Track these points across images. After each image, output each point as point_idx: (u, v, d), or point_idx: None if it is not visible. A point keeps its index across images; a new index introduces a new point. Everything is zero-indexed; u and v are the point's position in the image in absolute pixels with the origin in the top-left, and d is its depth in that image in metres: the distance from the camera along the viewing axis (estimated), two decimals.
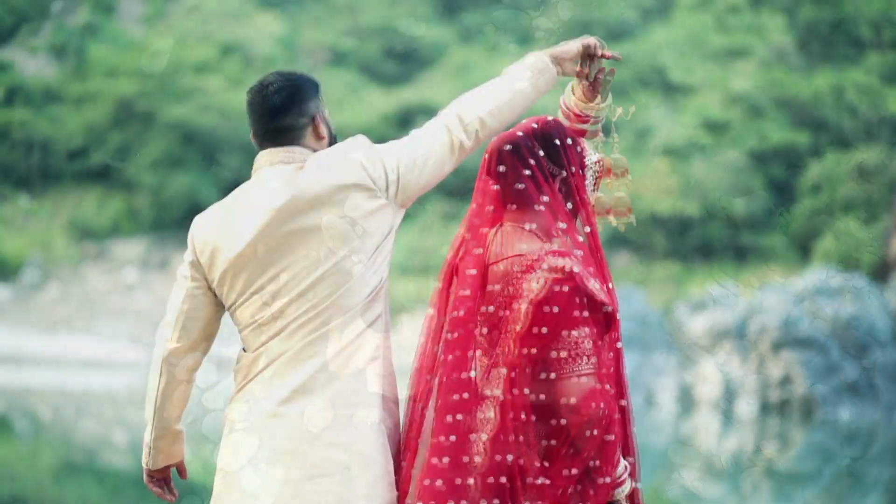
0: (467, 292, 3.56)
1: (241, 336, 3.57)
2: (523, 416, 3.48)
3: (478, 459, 3.49)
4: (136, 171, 31.27)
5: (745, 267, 28.62)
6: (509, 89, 3.63)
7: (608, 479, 3.46)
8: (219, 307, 3.62)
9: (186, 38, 33.88)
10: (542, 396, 3.48)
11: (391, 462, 3.51)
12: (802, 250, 28.68)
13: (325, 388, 3.46)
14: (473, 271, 3.58)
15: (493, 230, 3.60)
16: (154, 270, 29.70)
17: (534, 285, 3.49)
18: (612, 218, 3.83)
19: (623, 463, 3.53)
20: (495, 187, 3.62)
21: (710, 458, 16.35)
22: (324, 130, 3.62)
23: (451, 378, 3.52)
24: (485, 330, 3.55)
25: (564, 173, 3.62)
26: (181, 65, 32.34)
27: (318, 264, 3.46)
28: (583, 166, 3.66)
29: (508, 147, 3.63)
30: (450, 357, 3.53)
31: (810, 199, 28.99)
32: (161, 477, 3.80)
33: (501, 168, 3.63)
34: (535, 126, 3.64)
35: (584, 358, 3.45)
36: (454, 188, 24.25)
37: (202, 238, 3.57)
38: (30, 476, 12.55)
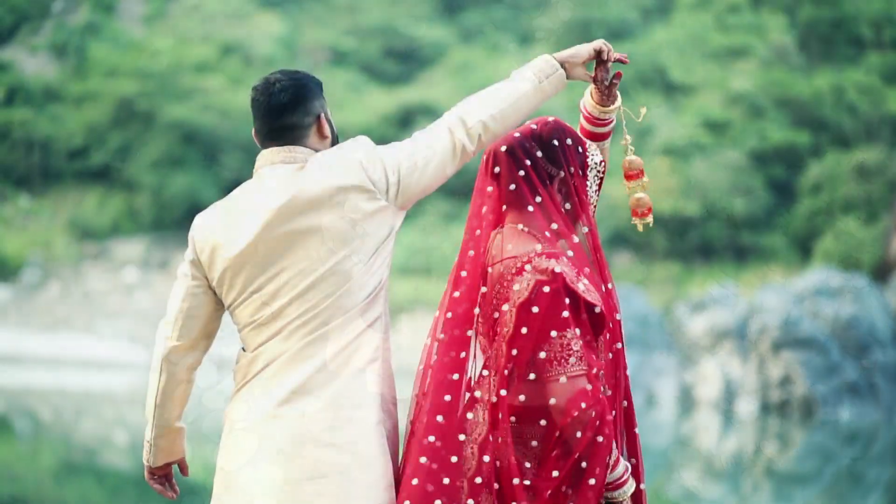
0: (458, 294, 3.57)
1: (241, 335, 3.57)
2: (512, 419, 3.49)
3: (466, 460, 3.49)
4: (137, 171, 31.26)
5: (745, 267, 28.61)
6: (514, 93, 3.60)
7: (594, 481, 3.44)
8: (219, 306, 3.63)
9: (187, 37, 33.87)
10: (530, 398, 3.48)
11: (390, 463, 3.51)
12: (803, 250, 28.67)
13: (324, 389, 3.46)
14: (465, 273, 3.58)
15: (495, 232, 3.60)
16: (154, 270, 29.70)
17: (516, 287, 3.49)
18: (635, 220, 3.83)
19: (623, 464, 3.52)
20: (490, 189, 3.63)
21: (710, 458, 16.35)
22: (327, 130, 3.61)
23: (441, 379, 3.52)
24: (482, 332, 3.56)
25: (562, 174, 3.61)
26: (182, 64, 32.32)
27: (318, 265, 3.46)
28: (585, 167, 3.66)
29: (504, 148, 3.63)
30: (441, 358, 3.54)
31: (810, 199, 28.98)
32: (162, 474, 3.81)
33: (497, 169, 3.64)
34: (535, 127, 3.65)
35: (573, 359, 3.44)
36: (455, 189, 24.25)
37: (202, 237, 3.57)
38: (30, 476, 12.55)
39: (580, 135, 3.70)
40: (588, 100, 3.77)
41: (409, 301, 26.22)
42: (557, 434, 3.44)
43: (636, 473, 3.60)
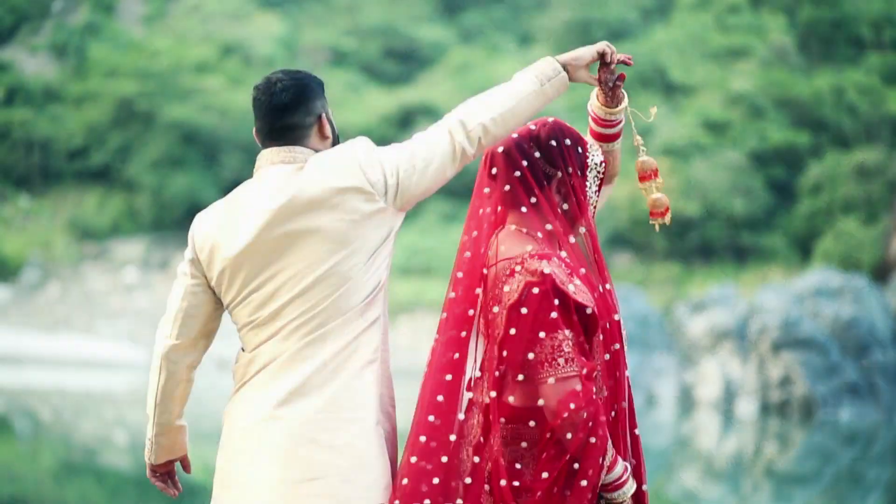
0: (452, 295, 3.58)
1: (240, 335, 3.58)
2: (503, 420, 3.49)
3: (462, 462, 3.50)
4: (137, 171, 31.27)
5: (745, 267, 28.62)
6: (515, 95, 3.57)
7: (585, 483, 3.44)
8: (218, 305, 3.63)
9: (187, 38, 33.89)
10: (519, 399, 3.48)
11: (388, 465, 3.51)
12: (803, 251, 28.68)
13: (322, 390, 3.46)
14: (460, 274, 3.59)
15: (496, 233, 3.61)
16: (154, 270, 29.70)
17: (506, 289, 3.50)
18: (654, 220, 3.82)
19: (622, 464, 3.52)
20: (487, 190, 3.64)
21: (710, 458, 16.35)
22: (328, 130, 3.61)
23: (436, 380, 3.53)
24: (484, 333, 3.57)
25: (560, 174, 3.61)
26: (181, 65, 32.34)
27: (316, 266, 3.46)
28: (584, 167, 3.65)
29: (501, 149, 3.63)
30: (437, 359, 3.55)
31: (810, 200, 28.99)
32: (164, 471, 3.81)
33: (494, 171, 3.64)
34: (533, 128, 3.64)
35: (562, 360, 3.43)
36: (455, 189, 24.26)
37: (202, 236, 3.57)
38: (30, 476, 12.55)
39: (581, 135, 3.69)
40: (594, 102, 3.75)
41: (408, 301, 26.23)
42: (548, 435, 3.44)
43: (637, 474, 3.60)
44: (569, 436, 3.41)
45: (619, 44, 29.51)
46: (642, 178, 3.78)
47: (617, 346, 3.56)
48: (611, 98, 3.71)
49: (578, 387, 3.42)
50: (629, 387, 3.61)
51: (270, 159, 3.56)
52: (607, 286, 3.59)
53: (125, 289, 29.17)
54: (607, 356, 3.55)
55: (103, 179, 32.02)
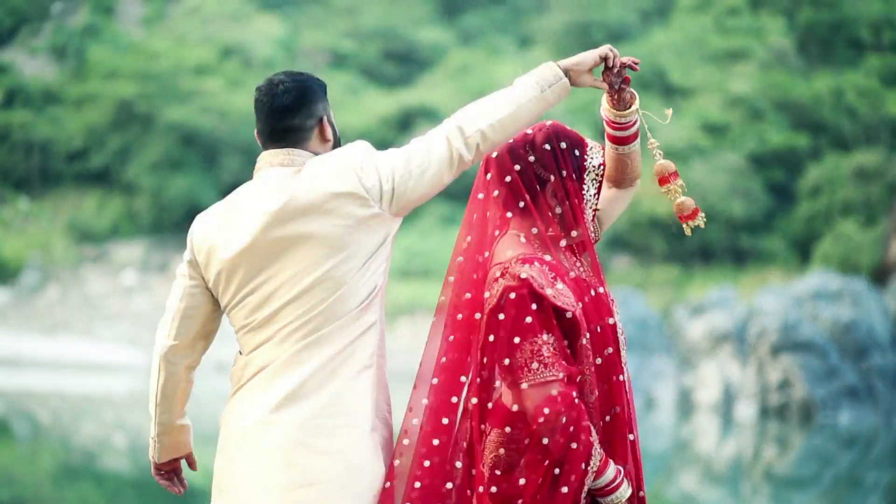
0: (443, 298, 3.59)
1: (237, 338, 3.58)
2: (483, 426, 3.49)
3: (450, 467, 3.52)
4: (136, 174, 31.26)
5: (744, 270, 28.61)
6: (515, 101, 3.55)
7: (566, 490, 3.42)
8: (216, 306, 3.64)
9: (186, 39, 33.88)
10: (497, 405, 3.48)
11: (382, 471, 3.50)
12: (802, 253, 28.67)
13: (317, 395, 3.45)
14: (451, 278, 3.60)
15: (497, 238, 3.61)
16: (154, 273, 29.69)
17: (486, 294, 3.51)
18: (684, 224, 3.80)
19: (613, 468, 3.51)
20: (481, 196, 3.65)
21: (709, 461, 16.35)
22: (329, 133, 3.61)
23: (422, 381, 3.56)
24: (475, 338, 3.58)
25: (553, 177, 3.60)
26: (181, 66, 32.33)
27: (310, 271, 3.45)
28: (582, 170, 3.64)
29: (495, 155, 3.64)
30: (422, 360, 3.57)
31: (809, 202, 28.99)
32: (169, 469, 3.83)
33: (488, 176, 3.65)
34: (530, 132, 3.64)
35: (536, 364, 3.42)
36: (455, 192, 24.24)
37: (200, 237, 3.58)
38: (29, 479, 12.55)
39: (581, 137, 3.67)
40: (604, 105, 3.71)
41: (408, 304, 26.23)
42: (527, 441, 3.43)
43: (634, 478, 3.58)
44: (545, 440, 3.40)
45: (619, 46, 29.46)
46: (662, 182, 3.75)
47: (610, 350, 3.54)
48: (618, 101, 3.67)
49: (555, 391, 3.40)
50: (628, 391, 3.60)
51: (269, 161, 3.56)
52: (600, 290, 3.57)
53: (124, 291, 29.16)
54: (599, 360, 3.53)
55: (103, 181, 32.01)
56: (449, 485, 3.49)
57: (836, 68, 32.39)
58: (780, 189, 30.19)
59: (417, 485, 3.48)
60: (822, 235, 27.81)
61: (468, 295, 3.55)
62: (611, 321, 3.55)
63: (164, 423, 3.72)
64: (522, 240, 3.58)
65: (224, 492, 3.52)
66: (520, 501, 3.43)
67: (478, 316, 3.52)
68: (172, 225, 30.59)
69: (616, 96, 3.67)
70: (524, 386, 3.42)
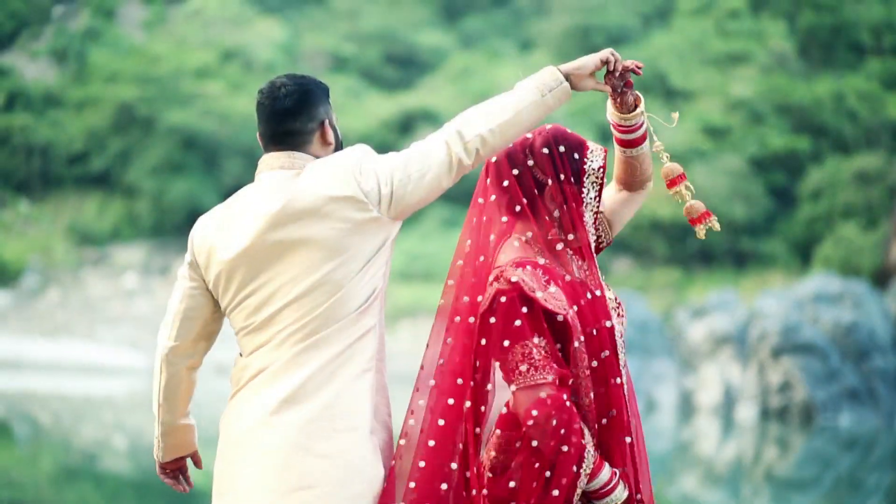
0: (443, 302, 3.60)
1: (237, 340, 3.59)
2: (477, 430, 3.50)
3: (448, 470, 3.52)
4: (137, 177, 31.26)
5: (745, 273, 28.62)
6: (515, 106, 3.53)
7: (557, 493, 3.42)
8: (217, 308, 3.65)
9: (187, 43, 33.89)
10: (488, 408, 3.49)
11: (381, 475, 3.50)
12: (802, 256, 28.68)
13: (315, 398, 3.45)
14: (451, 282, 3.61)
15: (501, 243, 3.62)
16: (154, 276, 29.70)
17: (479, 298, 3.52)
18: (696, 228, 3.79)
19: (608, 470, 3.50)
20: (481, 200, 3.65)
21: (710, 463, 16.35)
22: (331, 137, 3.61)
23: (422, 383, 3.57)
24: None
25: (551, 181, 3.61)
26: (182, 70, 32.34)
27: (308, 274, 3.46)
28: (581, 173, 3.63)
29: (494, 159, 3.65)
30: (422, 363, 3.58)
31: (810, 205, 29.00)
32: (174, 468, 3.85)
33: (488, 181, 3.66)
34: (529, 136, 3.65)
35: (524, 367, 3.43)
36: (456, 195, 24.24)
37: (200, 239, 3.59)
38: (29, 481, 12.55)
39: (581, 140, 3.67)
40: (609, 108, 3.71)
41: (409, 307, 26.23)
42: (518, 444, 3.43)
43: (632, 482, 3.57)
44: (535, 443, 3.40)
45: (620, 49, 29.48)
46: (670, 184, 3.74)
47: (606, 353, 3.53)
48: (621, 104, 3.66)
49: (544, 394, 3.41)
50: (626, 395, 3.58)
51: (270, 164, 3.57)
52: (597, 293, 3.57)
53: (125, 294, 29.16)
54: (595, 363, 3.53)
55: (103, 185, 32.02)
56: (444, 486, 3.49)
57: (837, 72, 32.40)
58: (781, 192, 30.20)
59: (412, 485, 3.49)
60: (822, 238, 27.81)
61: (466, 299, 3.55)
62: (608, 324, 3.55)
63: (166, 422, 3.73)
64: (516, 244, 3.59)
65: (224, 494, 3.53)
66: None
67: (472, 320, 3.52)
68: (173, 228, 30.59)
69: (619, 99, 3.66)
70: (513, 389, 3.43)
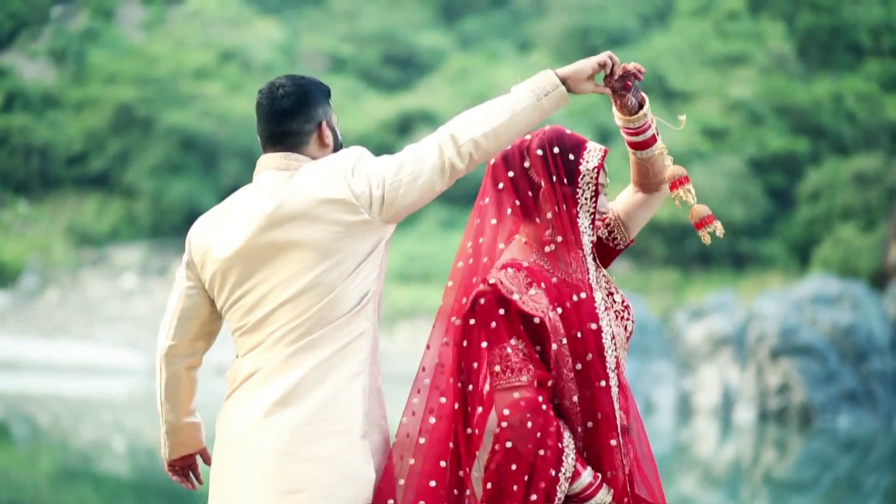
0: (442, 303, 3.60)
1: (234, 340, 3.59)
2: (468, 430, 3.51)
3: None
4: (136, 177, 31.27)
5: (743, 274, 28.63)
6: (510, 110, 3.52)
7: (535, 497, 3.42)
8: (215, 308, 3.65)
9: (186, 44, 33.90)
10: (484, 408, 3.48)
11: (373, 477, 3.49)
12: (801, 258, 28.69)
13: (306, 401, 3.45)
14: (450, 283, 3.62)
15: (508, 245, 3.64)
16: (153, 276, 29.70)
17: (463, 300, 3.53)
18: (700, 232, 3.76)
19: (588, 473, 3.48)
20: (481, 202, 3.65)
21: (708, 465, 16.35)
22: (329, 138, 3.61)
23: (419, 383, 3.59)
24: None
25: (544, 183, 3.61)
26: (180, 71, 32.34)
27: (300, 275, 3.46)
28: (576, 174, 3.62)
29: (492, 161, 3.66)
30: (421, 363, 3.60)
31: (809, 207, 29.01)
32: (183, 465, 3.86)
33: (486, 183, 3.67)
34: (527, 138, 3.65)
35: (506, 370, 3.44)
36: (454, 196, 24.26)
37: (197, 239, 3.60)
38: (28, 482, 12.55)
39: (580, 141, 3.64)
40: (614, 111, 3.69)
41: (407, 308, 26.23)
42: (496, 447, 3.42)
43: (618, 485, 3.54)
44: (509, 444, 3.40)
45: (619, 51, 29.55)
46: (672, 187, 3.70)
47: (590, 356, 3.52)
48: (622, 106, 3.65)
49: (518, 395, 3.41)
50: (617, 396, 3.57)
51: (267, 164, 3.58)
52: (583, 295, 3.55)
53: (124, 295, 29.17)
54: (579, 366, 3.52)
55: (102, 185, 32.03)
56: (433, 483, 3.49)
57: (836, 73, 32.42)
58: (780, 193, 30.21)
59: (401, 482, 3.50)
60: (821, 240, 27.82)
61: (464, 300, 3.56)
62: (593, 327, 3.53)
63: (170, 421, 3.75)
64: (517, 246, 3.60)
65: (220, 495, 3.53)
66: None
67: (455, 321, 3.54)
68: (172, 228, 30.60)
69: (619, 102, 3.64)
70: (487, 389, 3.45)
